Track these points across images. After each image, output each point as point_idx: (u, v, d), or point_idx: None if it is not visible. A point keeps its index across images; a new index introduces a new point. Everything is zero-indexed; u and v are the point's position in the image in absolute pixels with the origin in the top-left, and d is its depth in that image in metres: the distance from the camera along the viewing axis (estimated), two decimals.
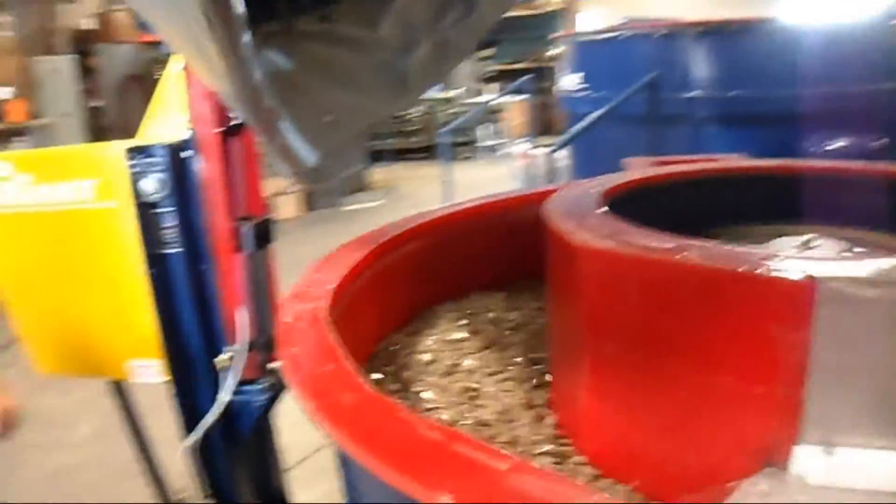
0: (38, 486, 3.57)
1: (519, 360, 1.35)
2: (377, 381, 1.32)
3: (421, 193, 9.78)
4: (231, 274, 1.73)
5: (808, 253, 1.21)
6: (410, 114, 13.31)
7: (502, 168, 10.41)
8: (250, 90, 1.11)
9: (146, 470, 2.15)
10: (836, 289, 0.81)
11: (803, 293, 0.82)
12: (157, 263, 1.73)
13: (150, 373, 1.85)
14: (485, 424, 1.14)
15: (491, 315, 1.54)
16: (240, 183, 1.70)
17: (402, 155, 12.71)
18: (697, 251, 0.94)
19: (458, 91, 13.16)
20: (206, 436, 1.78)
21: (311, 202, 10.10)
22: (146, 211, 1.71)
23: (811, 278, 0.82)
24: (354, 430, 0.81)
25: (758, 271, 0.86)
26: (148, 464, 2.15)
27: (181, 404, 1.83)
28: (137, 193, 1.70)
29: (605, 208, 1.21)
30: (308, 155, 1.53)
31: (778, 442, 0.87)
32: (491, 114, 12.80)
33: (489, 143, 12.80)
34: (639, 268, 0.98)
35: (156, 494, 2.15)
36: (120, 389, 2.12)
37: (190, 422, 1.80)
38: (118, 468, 2.19)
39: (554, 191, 1.45)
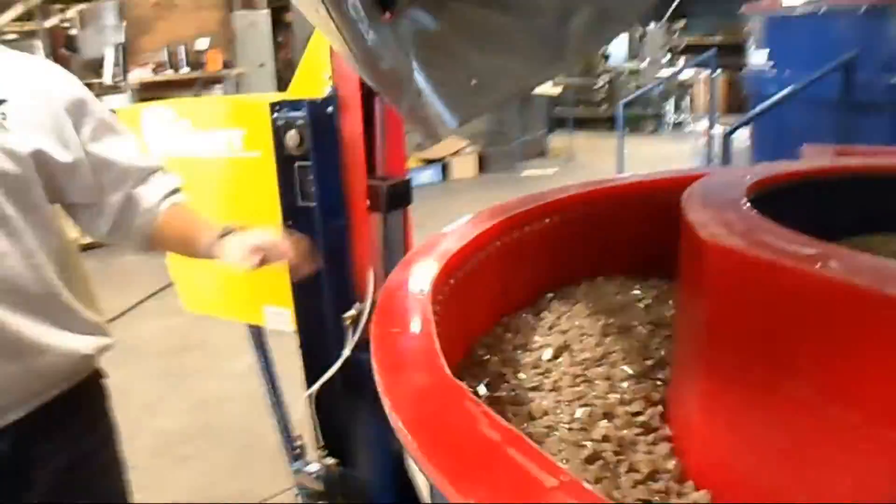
0: (185, 412, 3.80)
1: (637, 360, 1.24)
2: (480, 362, 1.25)
3: (598, 164, 9.55)
4: (364, 232, 1.72)
5: None
6: (596, 83, 13.01)
7: (686, 145, 9.97)
8: (363, 52, 1.06)
9: (274, 411, 2.22)
10: None
11: None
12: (294, 215, 1.75)
13: (281, 320, 1.89)
14: (582, 429, 1.04)
15: (618, 305, 1.42)
16: (379, 143, 1.67)
17: (584, 124, 12.45)
18: (840, 263, 0.79)
19: (647, 63, 12.67)
20: (327, 389, 1.79)
21: (487, 165, 10.11)
22: (287, 163, 1.72)
23: None
24: (411, 413, 0.75)
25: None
26: (276, 406, 2.21)
27: (306, 354, 1.85)
28: (279, 146, 1.71)
29: (748, 201, 1.06)
30: (448, 118, 1.48)
31: None
32: (680, 88, 12.27)
33: (676, 118, 12.29)
34: (769, 274, 0.84)
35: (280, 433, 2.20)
36: (259, 334, 2.18)
37: (314, 373, 1.82)
38: (262, 404, 2.27)
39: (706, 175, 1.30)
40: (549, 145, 11.41)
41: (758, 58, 4.62)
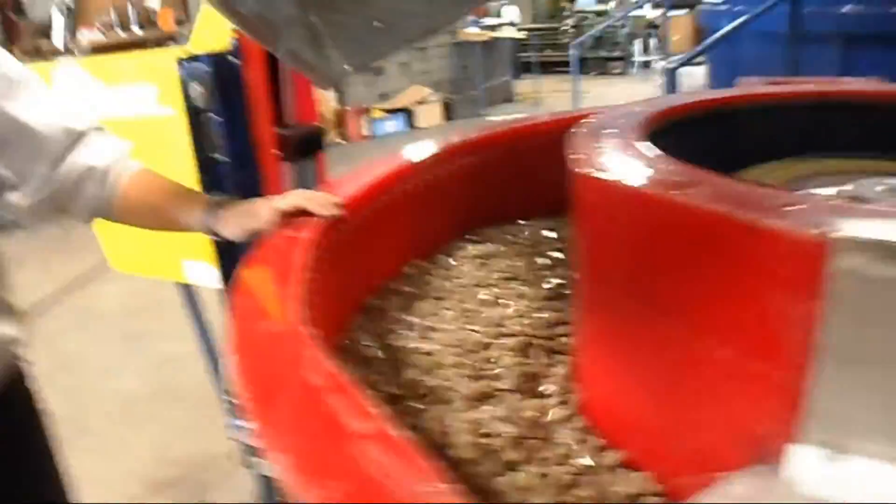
0: (143, 374, 3.78)
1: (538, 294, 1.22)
2: (379, 308, 1.22)
3: (565, 107, 9.47)
4: (276, 181, 1.68)
5: (879, 200, 0.99)
6: (563, 26, 12.87)
7: (652, 85, 9.90)
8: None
9: (210, 368, 2.20)
10: (861, 252, 0.62)
11: (814, 253, 0.63)
12: (208, 168, 1.71)
13: (205, 276, 1.86)
14: (488, 360, 1.03)
15: (528, 247, 1.40)
16: (286, 91, 1.62)
17: (552, 67, 12.31)
18: (706, 189, 0.76)
19: (613, 3, 12.53)
20: None
21: (452, 112, 10.01)
22: (196, 117, 1.68)
23: (826, 235, 0.63)
24: (246, 352, 0.74)
25: (764, 220, 0.68)
26: (212, 363, 2.20)
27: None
28: (188, 99, 1.66)
29: (645, 135, 1.03)
30: (348, 61, 1.44)
31: (774, 435, 0.70)
32: (648, 28, 12.16)
33: (644, 58, 12.20)
34: (635, 203, 0.81)
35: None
36: (189, 291, 2.16)
37: None
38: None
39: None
40: (516, 90, 11.30)
41: None
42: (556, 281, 1.29)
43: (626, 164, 0.87)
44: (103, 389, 3.62)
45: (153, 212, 1.27)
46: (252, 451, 1.89)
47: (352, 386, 0.65)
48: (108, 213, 1.26)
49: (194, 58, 1.64)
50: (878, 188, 1.07)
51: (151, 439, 3.23)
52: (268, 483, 1.97)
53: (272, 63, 1.60)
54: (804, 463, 0.68)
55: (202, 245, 1.77)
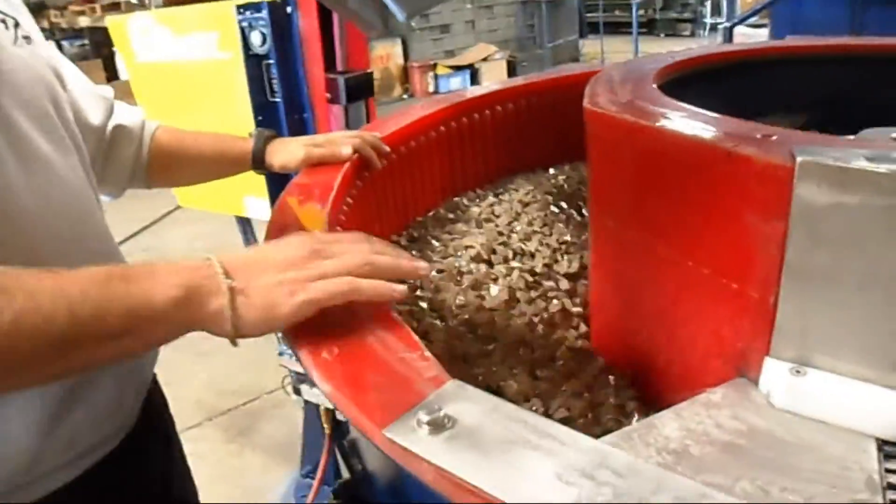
0: None
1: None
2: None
3: None
4: (327, 123, 1.78)
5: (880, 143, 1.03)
6: None
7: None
8: None
9: None
10: (822, 171, 0.67)
11: (779, 174, 0.69)
12: (263, 110, 1.83)
13: (261, 210, 1.98)
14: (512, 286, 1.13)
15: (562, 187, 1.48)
16: (338, 39, 1.72)
17: (620, 28, 12.15)
18: (692, 121, 0.82)
19: None
20: None
21: (516, 71, 9.99)
22: (254, 62, 1.79)
23: (789, 156, 0.69)
24: None
25: (739, 147, 0.74)
26: None
27: None
28: (246, 46, 1.77)
29: (661, 83, 1.09)
30: (397, 12, 1.51)
31: (752, 351, 0.78)
32: None
33: (713, 20, 11.93)
34: (628, 133, 0.88)
35: None
36: (246, 227, 2.29)
37: None
38: None
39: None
40: (582, 50, 11.19)
41: None
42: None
43: (628, 102, 0.94)
44: None
45: (195, 157, 1.27)
46: (300, 378, 2.02)
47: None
48: (144, 173, 1.25)
49: (252, 5, 1.74)
50: (892, 135, 1.11)
51: (209, 371, 3.42)
52: (314, 411, 2.10)
53: (324, 12, 1.69)
54: (774, 375, 0.75)
55: (260, 182, 1.88)
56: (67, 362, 0.67)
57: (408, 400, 0.56)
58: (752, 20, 7.09)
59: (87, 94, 1.13)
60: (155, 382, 1.13)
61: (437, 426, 0.52)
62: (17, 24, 0.94)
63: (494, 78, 9.70)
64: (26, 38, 0.95)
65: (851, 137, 0.92)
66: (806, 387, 0.73)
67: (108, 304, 0.64)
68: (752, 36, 5.58)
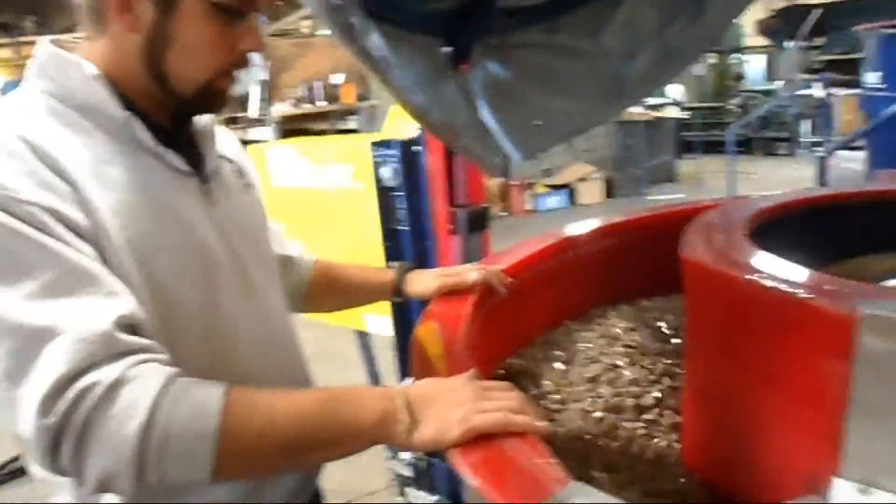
0: None
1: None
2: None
3: (725, 189, 9.44)
4: (448, 252, 1.99)
5: None
6: (727, 105, 12.82)
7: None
8: (413, 110, 1.32)
9: None
10: (881, 321, 0.82)
11: (845, 322, 0.84)
12: (391, 237, 2.07)
13: (381, 326, 2.19)
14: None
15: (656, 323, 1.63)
16: (459, 174, 1.95)
17: (717, 147, 12.26)
18: (772, 274, 0.98)
19: (781, 83, 12.34)
20: None
21: (614, 189, 10.18)
22: (385, 194, 2.04)
23: (854, 308, 0.84)
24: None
25: (807, 297, 0.90)
26: None
27: (401, 358, 2.14)
28: (378, 179, 2.03)
29: (755, 227, 1.25)
30: (515, 154, 1.72)
31: (822, 471, 0.90)
32: (819, 108, 11.86)
33: (812, 139, 11.90)
34: (719, 282, 1.04)
35: None
36: (365, 340, 2.50)
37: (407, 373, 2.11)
38: None
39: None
40: (679, 170, 11.34)
41: (872, 78, 4.60)
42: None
43: (719, 252, 1.11)
44: None
45: (344, 286, 1.46)
46: (406, 481, 2.18)
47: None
48: (302, 301, 1.43)
49: (385, 143, 2.00)
50: None
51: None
52: None
53: (448, 152, 1.92)
54: (842, 494, 0.88)
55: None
56: (287, 463, 0.93)
57: (540, 493, 0.73)
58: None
59: (269, 228, 1.34)
60: (318, 491, 1.34)
61: None
62: (241, 173, 1.20)
63: (591, 197, 9.91)
64: (247, 185, 1.21)
65: None
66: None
67: (327, 421, 0.87)
68: (850, 160, 5.65)
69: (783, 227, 1.39)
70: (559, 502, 0.70)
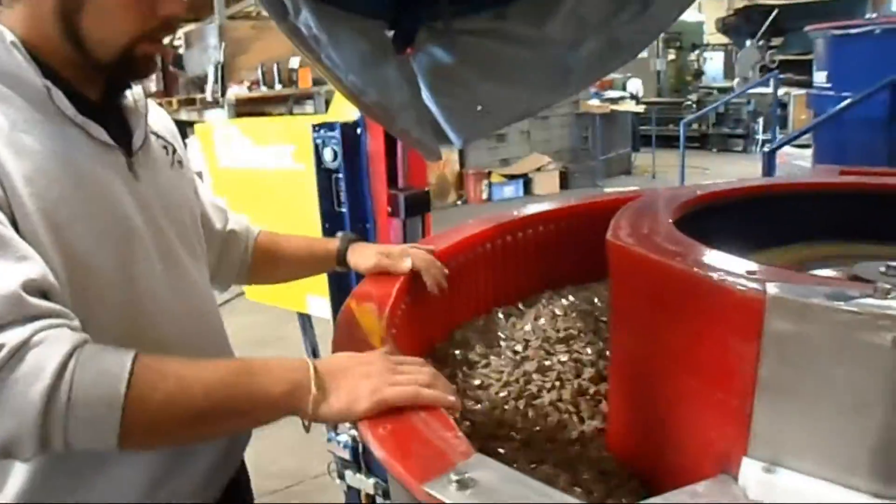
0: None
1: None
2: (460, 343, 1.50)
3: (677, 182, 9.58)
4: (387, 234, 1.99)
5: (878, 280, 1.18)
6: (685, 101, 13.00)
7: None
8: (347, 90, 1.31)
9: None
10: (787, 305, 0.83)
11: (752, 304, 0.85)
12: (331, 219, 2.05)
13: (321, 308, 2.18)
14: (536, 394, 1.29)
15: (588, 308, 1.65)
16: (400, 158, 1.94)
17: (671, 142, 12.42)
18: (691, 256, 1.00)
19: (737, 81, 12.55)
20: None
21: (569, 181, 10.26)
22: (325, 175, 2.03)
23: (761, 290, 0.85)
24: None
25: (719, 279, 0.92)
26: None
27: None
28: (319, 160, 2.01)
29: (681, 216, 1.27)
30: (454, 138, 1.72)
31: (733, 451, 0.92)
32: (771, 107, 12.09)
33: (766, 136, 12.12)
34: (639, 264, 1.06)
35: None
36: (306, 323, 2.49)
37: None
38: None
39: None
40: (635, 163, 11.47)
41: (819, 77, 4.69)
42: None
43: (643, 235, 1.12)
44: None
45: (289, 256, 1.47)
46: (345, 464, 2.18)
47: None
48: (247, 272, 1.45)
49: (327, 125, 1.99)
50: (880, 269, 1.26)
51: (258, 453, 3.55)
52: (356, 496, 2.24)
53: (389, 134, 1.91)
54: (749, 473, 0.90)
55: (321, 283, 2.09)
56: (196, 433, 0.92)
57: (442, 465, 0.73)
58: (802, 139, 7.26)
59: (210, 205, 1.37)
60: (242, 464, 1.33)
61: (463, 485, 0.69)
62: (174, 151, 1.20)
63: (547, 187, 9.98)
64: (179, 162, 1.20)
65: (826, 273, 1.08)
66: (776, 483, 0.87)
67: (235, 391, 0.87)
68: (797, 157, 5.76)
69: (718, 215, 1.41)
70: (460, 473, 0.70)
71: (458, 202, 9.61)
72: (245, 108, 7.70)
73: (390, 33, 1.63)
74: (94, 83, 1.03)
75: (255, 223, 1.50)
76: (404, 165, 1.94)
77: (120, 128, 1.06)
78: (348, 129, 1.96)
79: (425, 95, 1.67)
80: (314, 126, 2.00)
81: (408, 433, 0.83)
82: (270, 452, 3.51)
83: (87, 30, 0.96)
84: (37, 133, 0.94)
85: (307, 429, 0.90)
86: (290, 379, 0.88)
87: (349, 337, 1.13)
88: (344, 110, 2.02)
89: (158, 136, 1.17)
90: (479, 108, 1.77)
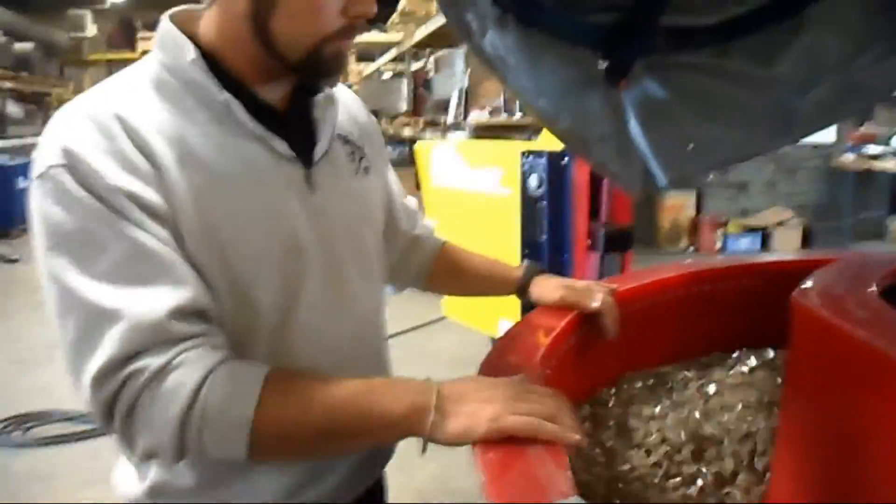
0: None
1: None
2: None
3: None
4: (584, 268, 1.96)
5: None
6: None
7: None
8: (540, 116, 1.31)
9: None
10: None
11: None
12: (530, 246, 2.06)
13: None
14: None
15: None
16: (605, 193, 1.91)
17: None
18: (882, 327, 0.89)
19: None
20: None
21: (813, 240, 9.55)
22: (529, 202, 2.04)
23: None
24: None
25: None
26: None
27: None
28: (525, 187, 2.03)
29: (876, 277, 1.13)
30: (660, 176, 1.66)
31: None
32: None
33: None
34: (830, 336, 0.95)
35: None
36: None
37: None
38: None
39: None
40: (890, 227, 10.45)
41: None
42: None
43: (835, 299, 1.02)
44: None
45: (468, 273, 1.46)
46: None
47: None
48: (425, 279, 1.46)
49: (536, 152, 2.00)
50: None
51: (434, 473, 3.60)
52: None
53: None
54: None
55: (515, 306, 2.10)
56: (320, 449, 0.99)
57: (535, 498, 0.72)
58: None
59: (400, 205, 1.38)
60: (381, 481, 1.33)
61: None
62: (362, 157, 1.19)
63: (787, 243, 9.35)
64: (366, 168, 1.20)
65: None
66: None
67: (356, 410, 0.90)
68: None
69: None
70: None
71: (690, 248, 9.26)
72: (485, 134, 7.90)
73: (604, 64, 1.60)
74: (280, 87, 1.04)
75: (456, 242, 1.51)
76: (609, 200, 1.91)
77: (303, 136, 1.07)
78: (555, 158, 1.95)
79: (634, 130, 1.62)
80: (523, 152, 2.02)
81: (514, 462, 0.81)
82: (453, 468, 3.56)
83: (278, 29, 0.96)
84: (213, 147, 0.96)
85: (424, 450, 0.90)
86: (411, 401, 0.89)
87: (498, 359, 1.12)
88: (555, 139, 2.03)
89: (347, 141, 1.16)
90: (691, 146, 1.70)
